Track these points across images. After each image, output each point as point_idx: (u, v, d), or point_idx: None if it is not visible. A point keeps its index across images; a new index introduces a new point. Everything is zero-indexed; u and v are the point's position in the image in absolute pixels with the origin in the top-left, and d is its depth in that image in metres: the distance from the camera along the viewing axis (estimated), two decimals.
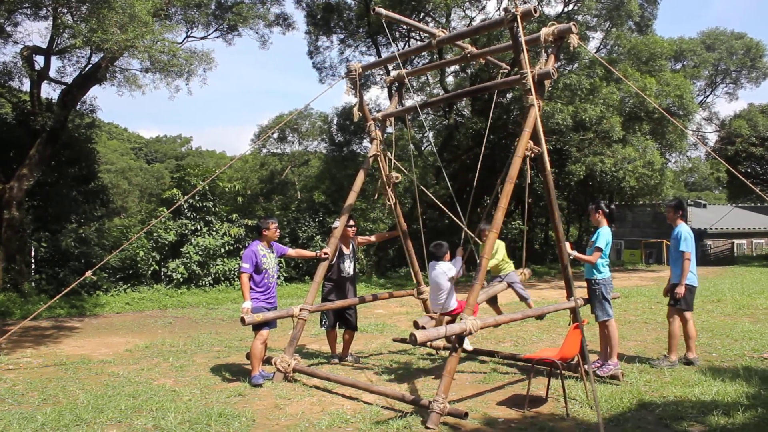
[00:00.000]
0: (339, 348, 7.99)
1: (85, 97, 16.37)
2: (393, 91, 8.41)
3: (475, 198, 13.81)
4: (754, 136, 32.87)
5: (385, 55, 21.59)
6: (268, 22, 19.21)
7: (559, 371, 5.71)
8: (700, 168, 38.58)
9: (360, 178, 7.75)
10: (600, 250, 6.75)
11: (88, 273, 8.12)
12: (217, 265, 16.44)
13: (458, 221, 7.23)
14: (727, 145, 33.85)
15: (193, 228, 16.61)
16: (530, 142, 6.13)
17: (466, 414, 5.17)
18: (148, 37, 11.37)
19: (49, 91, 23.94)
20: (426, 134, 27.31)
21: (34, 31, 71.37)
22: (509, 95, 21.45)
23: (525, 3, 6.87)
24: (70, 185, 16.55)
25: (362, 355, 8.26)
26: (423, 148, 27.91)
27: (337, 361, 7.84)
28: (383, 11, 7.19)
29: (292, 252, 7.71)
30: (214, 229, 16.95)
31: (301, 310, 6.99)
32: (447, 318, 6.69)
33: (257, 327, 6.64)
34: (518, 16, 6.04)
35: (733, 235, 38.66)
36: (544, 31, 6.38)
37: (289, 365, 6.72)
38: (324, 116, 37.09)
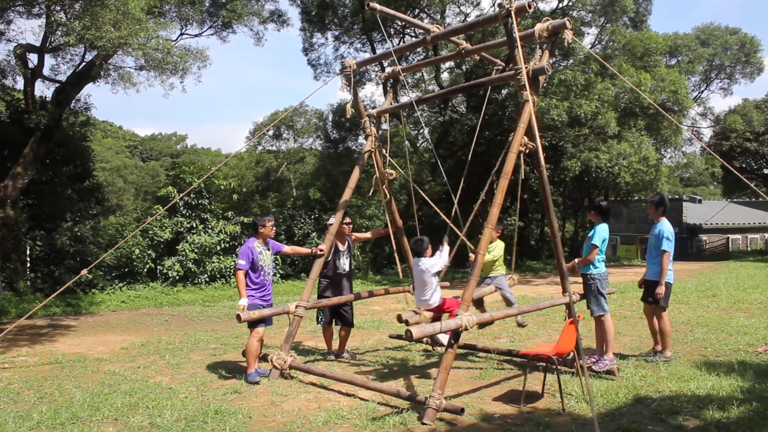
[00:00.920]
0: (335, 345, 8.01)
1: (79, 95, 16.27)
2: (388, 88, 8.40)
3: (469, 194, 13.79)
4: (749, 132, 32.93)
5: (380, 51, 21.53)
6: (263, 19, 19.12)
7: (555, 367, 5.74)
8: (695, 163, 38.76)
9: (355, 174, 7.73)
10: (596, 246, 6.78)
11: (84, 271, 8.13)
12: (213, 262, 16.43)
13: (445, 218, 7.22)
14: (721, 140, 33.92)
15: (188, 226, 16.57)
16: (525, 138, 6.13)
17: (463, 410, 5.19)
18: (142, 35, 11.30)
19: (43, 89, 23.89)
20: (421, 131, 27.33)
21: (28, 29, 71.26)
22: (504, 91, 21.45)
23: None
24: (64, 183, 16.47)
25: (358, 352, 8.27)
26: (418, 145, 27.93)
27: (333, 357, 7.86)
28: (378, 6, 7.17)
29: (287, 249, 7.70)
30: (210, 226, 16.91)
31: (297, 307, 7.00)
32: (430, 314, 6.67)
33: (253, 324, 6.64)
34: (513, 12, 6.04)
35: (728, 230, 38.84)
36: (539, 26, 6.37)
37: (285, 362, 6.73)
38: (319, 113, 37.13)
